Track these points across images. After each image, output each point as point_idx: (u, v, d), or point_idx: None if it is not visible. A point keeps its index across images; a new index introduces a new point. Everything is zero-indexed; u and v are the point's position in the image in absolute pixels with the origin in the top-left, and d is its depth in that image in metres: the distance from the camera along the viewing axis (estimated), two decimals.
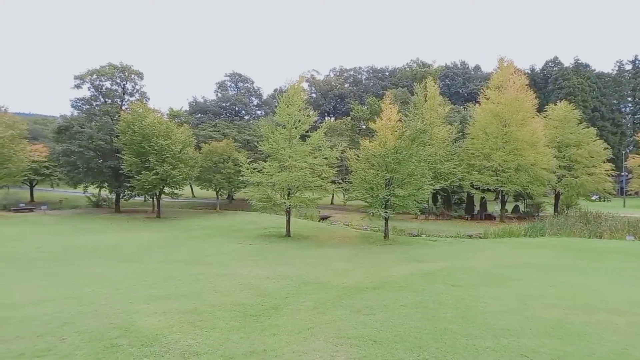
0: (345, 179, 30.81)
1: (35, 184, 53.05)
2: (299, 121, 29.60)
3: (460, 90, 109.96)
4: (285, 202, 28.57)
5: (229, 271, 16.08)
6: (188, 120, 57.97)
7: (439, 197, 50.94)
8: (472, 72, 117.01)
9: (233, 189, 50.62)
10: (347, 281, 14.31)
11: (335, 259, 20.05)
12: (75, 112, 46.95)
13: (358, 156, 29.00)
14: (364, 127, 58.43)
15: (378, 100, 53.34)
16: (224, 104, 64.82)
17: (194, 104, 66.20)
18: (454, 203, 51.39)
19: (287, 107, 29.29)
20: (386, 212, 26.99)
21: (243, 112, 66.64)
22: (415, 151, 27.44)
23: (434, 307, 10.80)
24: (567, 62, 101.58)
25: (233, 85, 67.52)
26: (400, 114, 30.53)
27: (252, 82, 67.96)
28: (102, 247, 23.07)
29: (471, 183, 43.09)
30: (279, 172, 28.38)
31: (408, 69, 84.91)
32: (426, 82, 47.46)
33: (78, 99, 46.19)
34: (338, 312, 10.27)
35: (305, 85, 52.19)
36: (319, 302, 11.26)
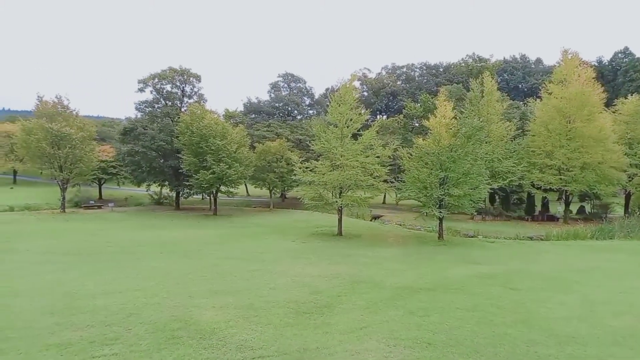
0: (398, 177, 30.39)
1: (104, 183, 56.56)
2: (351, 120, 29.53)
3: (520, 85, 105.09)
4: (336, 201, 28.63)
5: (283, 268, 16.36)
6: (243, 120, 59.52)
7: (496, 197, 49.01)
8: (533, 66, 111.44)
9: (286, 188, 51.42)
10: (400, 281, 14.12)
11: (388, 259, 19.84)
12: (139, 115, 49.62)
13: (411, 154, 28.50)
14: (417, 124, 57.38)
15: (432, 97, 52.20)
16: (277, 104, 66.02)
17: (248, 104, 67.90)
18: (513, 203, 49.26)
19: (339, 106, 29.32)
20: (440, 212, 26.34)
21: (295, 111, 67.54)
22: (471, 149, 26.57)
23: (492, 311, 10.42)
24: (639, 52, 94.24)
25: (286, 85, 68.65)
26: (455, 110, 29.66)
27: (305, 82, 68.81)
28: (164, 242, 24.22)
29: (532, 182, 41.07)
30: (330, 171, 28.48)
31: (463, 64, 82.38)
32: (483, 78, 45.77)
33: (141, 102, 48.82)
34: (391, 313, 10.17)
35: (356, 83, 52.06)
36: (372, 302, 11.21)
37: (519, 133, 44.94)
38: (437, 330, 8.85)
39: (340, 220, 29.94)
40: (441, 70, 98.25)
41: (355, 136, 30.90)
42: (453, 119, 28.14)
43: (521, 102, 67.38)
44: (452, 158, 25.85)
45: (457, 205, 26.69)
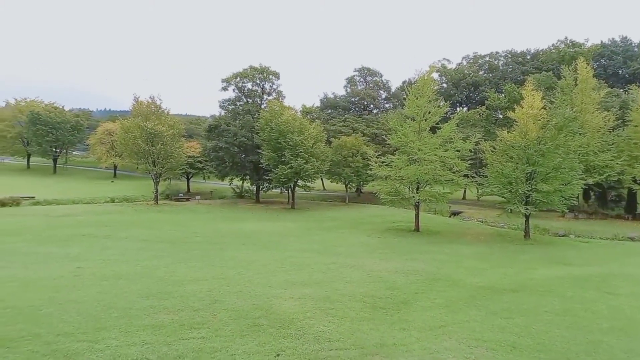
0: (479, 172, 29.00)
1: (191, 177, 60.29)
2: (429, 113, 28.70)
3: (620, 71, 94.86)
4: (414, 196, 28.05)
5: (358, 262, 16.40)
6: (319, 116, 60.21)
7: (591, 194, 44.93)
8: (636, 49, 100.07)
9: (362, 182, 51.29)
10: (482, 281, 13.53)
11: (468, 257, 19.09)
12: (223, 112, 52.22)
13: (494, 148, 27.09)
14: (500, 116, 54.28)
15: (518, 87, 49.05)
16: (353, 99, 65.83)
17: (324, 100, 68.45)
18: (611, 200, 44.83)
19: (417, 98, 28.62)
20: (527, 209, 24.78)
21: (371, 106, 66.89)
22: (562, 142, 24.64)
23: (585, 316, 9.64)
24: None
25: (362, 79, 68.15)
26: (544, 100, 27.59)
27: (381, 76, 67.77)
28: (245, 234, 25.37)
29: (633, 178, 37.09)
30: (407, 165, 27.94)
31: (554, 50, 76.25)
32: (576, 64, 42.02)
33: (224, 100, 51.39)
34: (472, 313, 9.79)
35: (435, 75, 50.16)
36: (451, 301, 10.87)
37: (618, 124, 40.67)
38: (522, 333, 8.37)
39: (417, 216, 29.31)
40: (528, 57, 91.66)
41: (433, 129, 30.00)
42: (542, 110, 26.22)
43: (621, 90, 60.88)
44: (541, 151, 24.18)
45: (545, 202, 24.98)
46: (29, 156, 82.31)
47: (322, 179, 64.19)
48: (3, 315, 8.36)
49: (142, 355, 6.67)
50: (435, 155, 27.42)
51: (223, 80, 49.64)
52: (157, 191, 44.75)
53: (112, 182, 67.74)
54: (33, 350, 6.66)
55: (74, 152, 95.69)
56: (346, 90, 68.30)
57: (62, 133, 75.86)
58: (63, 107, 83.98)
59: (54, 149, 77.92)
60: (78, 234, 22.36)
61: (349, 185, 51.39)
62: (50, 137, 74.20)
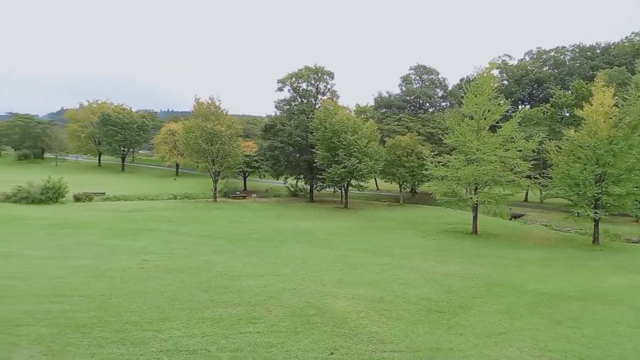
0: (543, 173, 27.51)
1: (248, 175, 61.94)
2: (489, 111, 27.64)
3: None
4: (471, 198, 27.15)
5: (413, 264, 16.13)
6: (373, 115, 59.72)
7: None
8: None
9: (416, 183, 50.39)
10: (545, 287, 12.85)
11: (530, 262, 18.20)
12: (278, 112, 53.22)
13: (560, 148, 25.62)
14: (567, 114, 51.24)
15: (586, 83, 46.09)
16: (408, 98, 64.74)
17: (379, 99, 67.85)
18: None
19: (475, 96, 27.65)
20: (596, 213, 23.25)
21: (427, 104, 65.46)
22: (636, 141, 22.86)
23: None
24: None
25: (417, 78, 66.83)
26: (616, 97, 25.72)
27: (437, 74, 66.09)
28: (299, 231, 25.71)
29: None
30: (465, 165, 27.09)
31: (627, 43, 70.86)
32: None
33: (280, 100, 52.34)
34: (534, 320, 9.34)
35: (495, 72, 48.01)
36: (512, 307, 10.42)
37: None
38: (590, 345, 7.86)
39: (475, 218, 28.34)
40: (598, 52, 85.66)
41: (493, 128, 28.89)
42: (613, 107, 24.46)
43: None
44: (612, 152, 22.58)
45: (617, 205, 23.34)
46: (100, 155, 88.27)
47: (375, 179, 63.73)
48: (78, 302, 9.01)
49: (202, 346, 6.95)
50: (495, 155, 26.36)
51: (279, 81, 50.58)
52: (215, 189, 46.38)
53: (175, 179, 70.98)
54: (104, 337, 7.13)
55: (140, 151, 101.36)
56: (401, 88, 67.29)
57: (130, 133, 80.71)
58: (130, 108, 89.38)
59: (122, 148, 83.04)
60: (144, 229, 23.67)
61: (403, 186, 50.63)
62: (119, 137, 79.22)
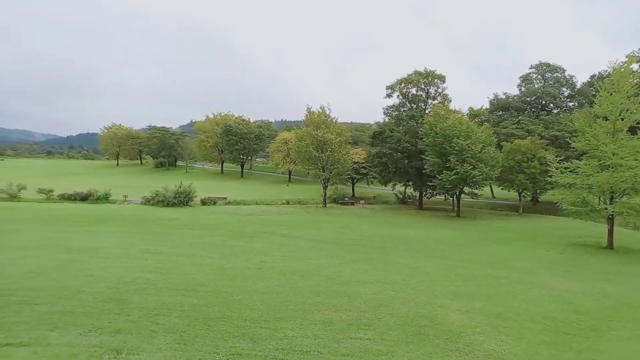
0: None
1: (356, 182, 62.63)
2: (627, 110, 24.39)
3: None
4: (606, 208, 24.14)
5: (535, 279, 14.83)
6: (488, 118, 56.55)
7: None
8: None
9: (538, 191, 46.35)
10: None
11: None
12: (386, 119, 53.05)
13: None
14: None
15: None
16: (528, 99, 59.91)
17: (494, 101, 63.85)
18: None
19: (611, 94, 24.60)
20: None
21: (551, 105, 59.84)
22: None
23: None
24: None
25: (539, 77, 61.53)
26: None
27: (563, 71, 60.14)
28: (408, 239, 25.24)
29: None
30: (598, 172, 24.22)
31: None
32: None
33: (389, 106, 52.12)
34: None
35: (635, 66, 41.98)
36: None
37: None
38: None
39: (610, 231, 25.12)
40: None
41: (633, 130, 25.41)
42: None
43: None
44: None
45: None
46: (222, 162, 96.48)
47: (491, 186, 60.01)
48: (205, 297, 9.90)
49: (314, 348, 7.17)
50: (636, 160, 23.14)
51: (387, 87, 50.44)
52: (325, 195, 47.70)
53: (288, 185, 74.50)
54: (227, 331, 7.73)
55: (256, 159, 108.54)
56: (520, 89, 62.57)
57: (248, 142, 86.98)
58: (249, 119, 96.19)
59: (241, 156, 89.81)
60: (260, 231, 25.25)
61: (522, 194, 46.84)
62: (238, 146, 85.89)
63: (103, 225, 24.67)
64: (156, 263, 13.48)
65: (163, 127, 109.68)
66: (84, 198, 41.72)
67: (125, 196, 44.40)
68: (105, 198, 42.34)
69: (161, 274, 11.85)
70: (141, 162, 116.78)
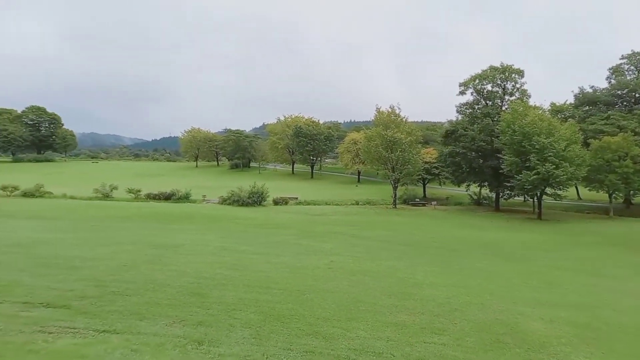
0: None
1: (427, 182, 61.14)
2: None
3: None
4: None
5: (629, 287, 13.62)
6: (573, 114, 52.66)
7: None
8: None
9: (632, 192, 42.26)
10: None
11: None
12: (459, 117, 51.18)
13: None
14: None
15: None
16: (619, 92, 54.76)
17: (580, 95, 59.08)
18: None
19: None
20: None
21: None
22: None
23: None
24: None
25: (632, 68, 56.07)
26: None
27: None
28: (484, 242, 24.16)
29: None
30: None
31: None
32: None
33: (462, 104, 50.22)
34: None
35: None
36: None
37: None
38: None
39: None
40: None
41: None
42: None
43: None
44: None
45: None
46: (293, 163, 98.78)
47: (576, 187, 55.77)
48: (278, 295, 10.18)
49: (387, 350, 7.10)
50: None
51: (460, 84, 48.72)
52: (395, 195, 47.07)
53: (357, 186, 74.49)
54: (300, 329, 7.88)
55: (326, 160, 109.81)
56: (609, 82, 57.39)
57: (318, 143, 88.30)
58: (318, 120, 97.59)
59: (311, 157, 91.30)
60: (330, 231, 25.49)
61: (613, 195, 42.96)
62: (309, 147, 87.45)
63: (184, 223, 26.27)
64: (233, 260, 14.09)
65: (237, 130, 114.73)
66: (167, 197, 44.71)
67: (204, 196, 46.97)
68: (186, 198, 45.04)
69: (237, 271, 12.36)
70: (218, 164, 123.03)
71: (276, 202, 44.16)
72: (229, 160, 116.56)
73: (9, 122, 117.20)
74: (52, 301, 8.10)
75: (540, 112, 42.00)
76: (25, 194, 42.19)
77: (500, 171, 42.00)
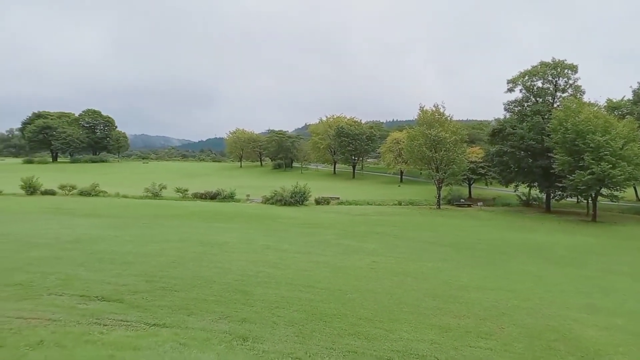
0: None
1: (473, 182, 59.43)
2: None
3: None
4: None
5: None
6: (632, 111, 49.57)
7: None
8: None
9: None
10: None
11: None
12: (507, 115, 49.36)
13: None
14: None
15: None
16: None
17: (639, 91, 55.64)
18: None
19: None
20: None
21: None
22: None
23: None
24: None
25: None
26: None
27: None
28: (533, 245, 23.22)
29: None
30: None
31: None
32: None
33: (510, 101, 48.39)
34: None
35: None
36: None
37: None
38: None
39: None
40: None
41: None
42: None
43: None
44: None
45: None
46: (334, 163, 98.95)
47: (634, 188, 52.55)
48: (321, 294, 10.25)
49: (431, 353, 6.99)
50: None
51: (509, 81, 47.01)
52: (439, 196, 46.11)
53: (399, 186, 73.59)
54: (342, 328, 7.91)
55: (368, 160, 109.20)
56: None
57: (360, 143, 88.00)
58: (360, 120, 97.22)
59: (353, 157, 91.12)
60: (372, 232, 25.33)
61: None
62: (350, 147, 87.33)
63: (229, 222, 26.93)
64: (276, 259, 14.31)
65: (280, 130, 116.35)
66: (213, 197, 45.99)
67: (248, 195, 47.98)
68: (230, 197, 46.15)
69: (280, 269, 12.54)
70: (261, 164, 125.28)
71: (318, 202, 44.38)
72: (272, 160, 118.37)
73: (68, 124, 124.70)
74: (107, 295, 8.55)
75: (595, 109, 39.88)
76: (82, 193, 44.66)
77: (552, 171, 40.17)
